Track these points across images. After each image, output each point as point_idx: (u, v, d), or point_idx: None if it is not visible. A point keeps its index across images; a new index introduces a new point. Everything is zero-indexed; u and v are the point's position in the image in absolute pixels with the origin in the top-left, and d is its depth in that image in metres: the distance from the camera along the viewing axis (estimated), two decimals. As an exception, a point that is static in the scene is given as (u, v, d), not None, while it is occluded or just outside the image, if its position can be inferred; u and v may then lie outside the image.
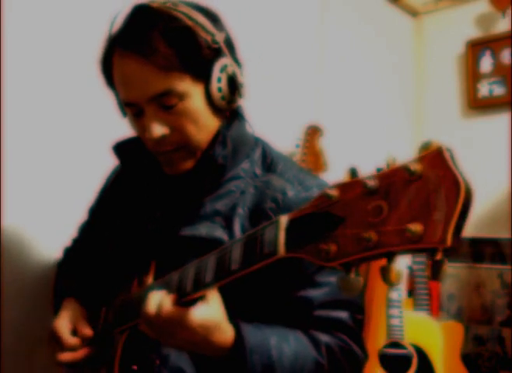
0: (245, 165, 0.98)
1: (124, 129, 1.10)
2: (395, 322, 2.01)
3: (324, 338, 0.88)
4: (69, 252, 1.27)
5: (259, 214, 0.92)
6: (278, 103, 1.97)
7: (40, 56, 1.40)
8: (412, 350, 1.99)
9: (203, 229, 0.93)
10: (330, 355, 0.87)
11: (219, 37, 0.90)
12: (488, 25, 2.61)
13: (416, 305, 2.15)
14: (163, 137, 0.91)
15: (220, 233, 0.92)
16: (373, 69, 2.55)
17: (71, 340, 1.00)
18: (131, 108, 0.92)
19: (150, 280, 0.94)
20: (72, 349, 1.00)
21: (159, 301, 0.77)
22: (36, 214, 1.39)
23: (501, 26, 2.55)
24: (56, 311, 1.10)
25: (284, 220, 0.63)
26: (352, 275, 0.55)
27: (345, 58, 2.40)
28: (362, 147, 2.41)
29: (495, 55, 2.55)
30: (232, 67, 0.92)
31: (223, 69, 0.91)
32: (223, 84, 0.91)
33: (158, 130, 0.90)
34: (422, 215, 0.49)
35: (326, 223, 0.56)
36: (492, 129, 2.54)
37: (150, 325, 0.78)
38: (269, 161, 0.99)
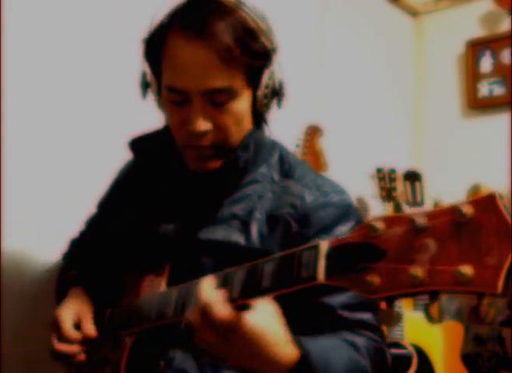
0: (263, 169, 0.98)
1: (129, 126, 1.10)
2: (395, 322, 2.01)
3: (359, 340, 0.86)
4: (76, 244, 1.24)
5: (277, 220, 0.91)
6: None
7: (47, 50, 1.40)
8: (412, 350, 1.99)
9: (220, 233, 0.92)
10: (370, 356, 0.86)
11: (275, 45, 0.93)
12: (489, 25, 2.61)
13: (416, 305, 2.15)
14: (205, 133, 0.89)
15: (237, 237, 0.91)
16: (373, 69, 2.55)
17: (72, 334, 0.97)
18: (176, 95, 0.89)
19: (163, 282, 0.92)
20: (70, 342, 0.96)
21: (210, 296, 0.68)
22: (37, 213, 1.39)
23: (502, 26, 2.55)
24: (59, 300, 1.06)
25: (324, 246, 0.62)
26: (394, 308, 0.55)
27: (345, 58, 2.40)
28: (362, 147, 2.41)
29: (495, 55, 2.55)
30: (278, 76, 0.95)
31: (271, 77, 0.93)
32: (269, 91, 0.93)
33: (203, 125, 0.88)
34: (473, 258, 0.49)
35: (368, 254, 0.56)
36: (492, 129, 2.53)
37: (204, 326, 0.68)
38: (287, 166, 0.99)
